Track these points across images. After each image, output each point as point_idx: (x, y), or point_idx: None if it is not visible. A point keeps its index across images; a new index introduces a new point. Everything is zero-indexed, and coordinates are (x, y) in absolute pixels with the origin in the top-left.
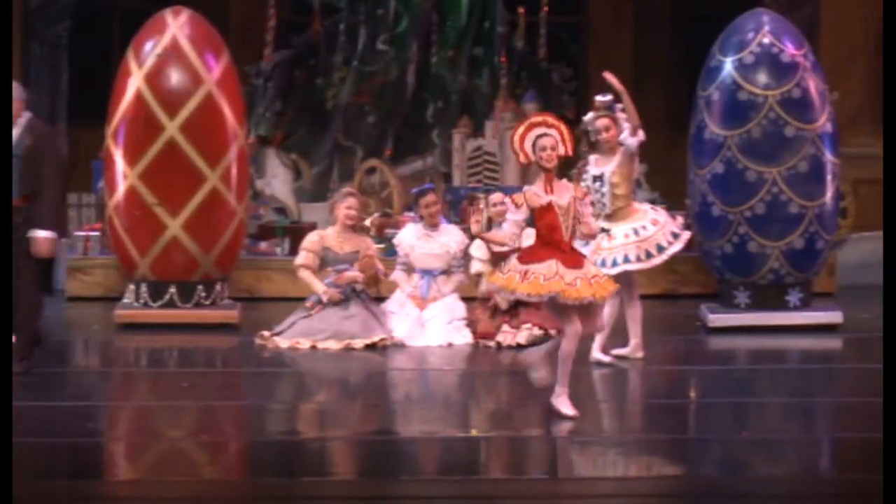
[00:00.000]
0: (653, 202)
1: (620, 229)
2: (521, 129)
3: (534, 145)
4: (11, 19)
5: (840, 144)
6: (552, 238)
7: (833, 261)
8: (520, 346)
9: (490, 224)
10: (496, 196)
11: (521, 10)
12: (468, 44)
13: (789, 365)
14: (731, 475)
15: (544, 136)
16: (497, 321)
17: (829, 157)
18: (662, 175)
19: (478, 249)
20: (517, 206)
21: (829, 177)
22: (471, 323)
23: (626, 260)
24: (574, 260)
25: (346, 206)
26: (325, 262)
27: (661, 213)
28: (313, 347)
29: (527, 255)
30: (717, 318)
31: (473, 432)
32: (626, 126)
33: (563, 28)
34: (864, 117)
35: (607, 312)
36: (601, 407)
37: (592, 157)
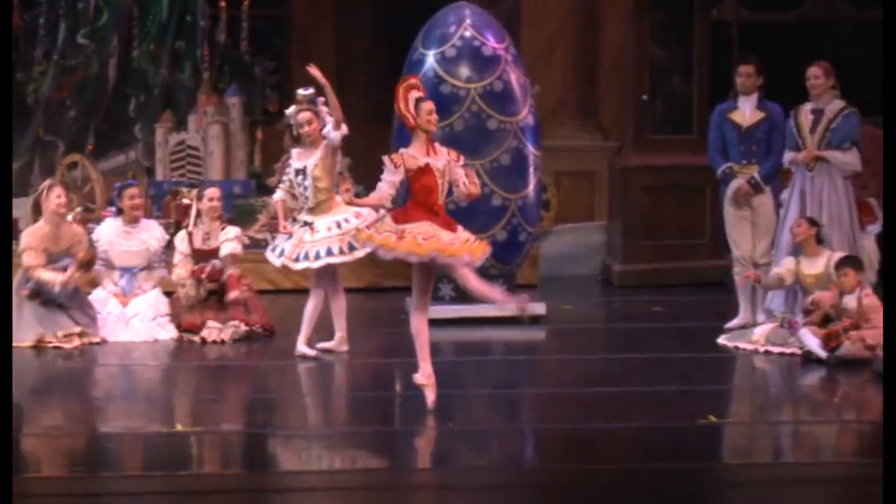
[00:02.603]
0: (357, 196)
1: (323, 222)
2: (400, 91)
3: (416, 108)
4: (11, 19)
5: (542, 137)
6: (427, 200)
7: (536, 252)
8: (223, 342)
9: (198, 219)
10: (212, 191)
11: (222, 3)
12: (170, 38)
13: (493, 356)
14: (436, 467)
15: (425, 99)
16: (204, 315)
17: (531, 149)
18: (366, 168)
19: (181, 242)
20: (395, 166)
21: (531, 169)
22: (174, 318)
23: (329, 253)
24: (447, 223)
25: (55, 195)
26: (48, 258)
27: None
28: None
29: (401, 216)
30: None
31: (178, 427)
32: (329, 120)
33: (266, 21)
34: (565, 110)
35: (311, 306)
36: (306, 400)
37: (295, 151)
